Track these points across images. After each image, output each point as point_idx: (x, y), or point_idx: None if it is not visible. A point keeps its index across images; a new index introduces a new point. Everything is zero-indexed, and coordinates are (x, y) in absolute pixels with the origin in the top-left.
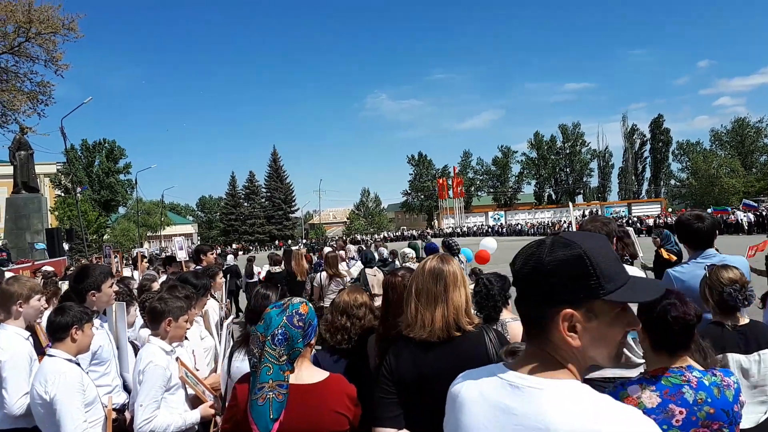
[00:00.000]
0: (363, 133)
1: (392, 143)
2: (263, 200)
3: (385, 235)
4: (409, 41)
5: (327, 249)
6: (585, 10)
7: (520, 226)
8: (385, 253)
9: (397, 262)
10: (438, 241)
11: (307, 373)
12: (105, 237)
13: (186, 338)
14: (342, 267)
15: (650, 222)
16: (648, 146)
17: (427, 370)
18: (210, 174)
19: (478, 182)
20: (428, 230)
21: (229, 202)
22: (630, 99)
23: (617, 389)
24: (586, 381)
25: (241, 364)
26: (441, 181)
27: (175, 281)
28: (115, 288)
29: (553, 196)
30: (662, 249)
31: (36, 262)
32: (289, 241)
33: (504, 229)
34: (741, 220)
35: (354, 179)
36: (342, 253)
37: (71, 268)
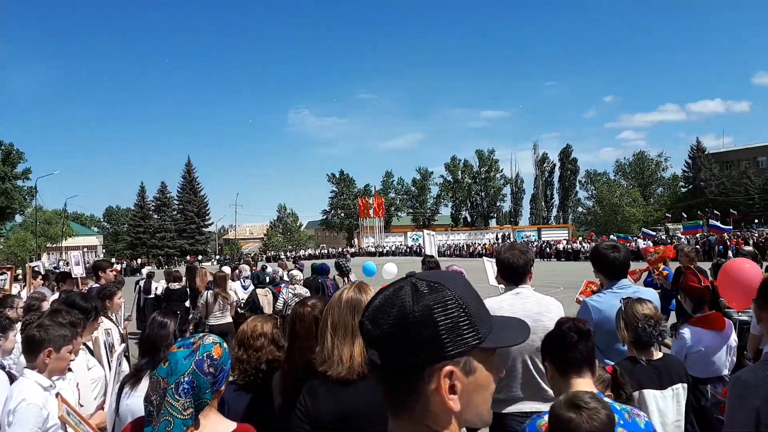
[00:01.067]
0: (284, 148)
1: (314, 160)
2: (175, 213)
3: (310, 252)
4: (335, 59)
5: (226, 268)
6: (504, 41)
7: (437, 246)
8: (281, 272)
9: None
10: (331, 262)
11: (213, 426)
12: None
13: (69, 369)
14: (235, 286)
15: (560, 246)
16: (557, 174)
17: (349, 409)
18: (118, 183)
19: (398, 202)
20: (349, 248)
21: (137, 214)
22: (542, 128)
23: (533, 419)
24: (504, 416)
25: (131, 401)
26: (362, 200)
27: (60, 305)
28: None
29: (469, 219)
30: None
31: None
32: (200, 257)
33: (422, 250)
34: (640, 248)
35: (273, 195)
36: (237, 271)
37: None
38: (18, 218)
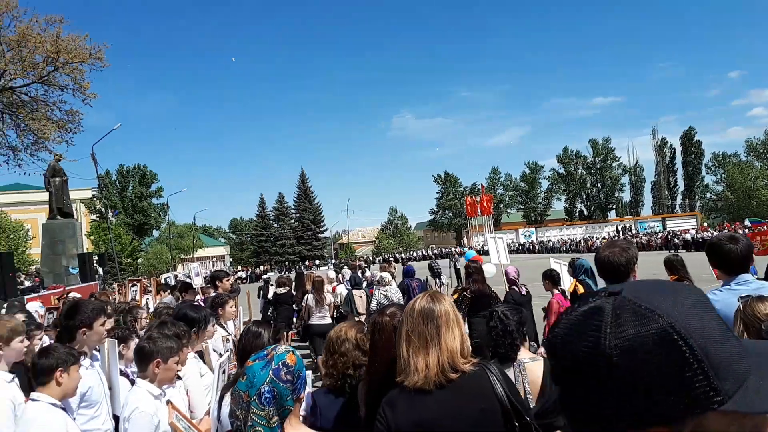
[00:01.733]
0: (390, 153)
1: (419, 162)
2: (293, 221)
3: (422, 253)
4: (434, 60)
5: (331, 272)
6: (612, 25)
7: (551, 242)
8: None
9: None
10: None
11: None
12: (139, 260)
13: (178, 377)
14: (340, 288)
15: (687, 236)
16: (679, 159)
17: (427, 420)
18: (240, 196)
19: (507, 199)
20: (457, 248)
21: (259, 224)
22: (660, 112)
23: None
24: None
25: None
26: (469, 198)
27: (167, 317)
28: (108, 326)
29: (585, 212)
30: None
31: (67, 287)
32: (317, 262)
33: (535, 247)
34: None
35: (382, 198)
36: (341, 275)
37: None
38: (154, 233)
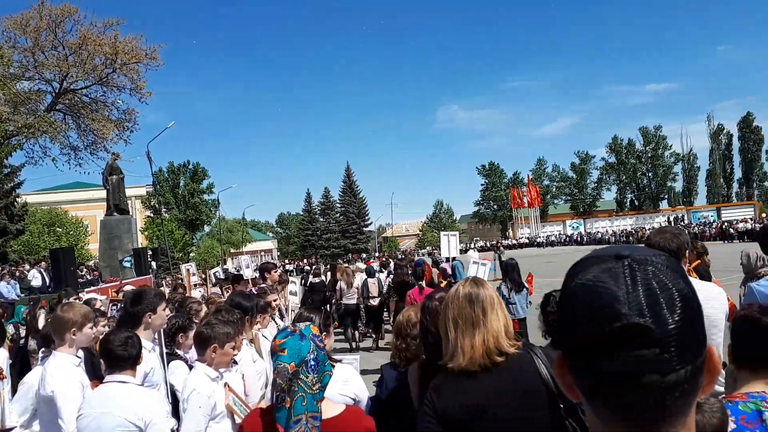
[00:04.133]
0: (436, 145)
1: (467, 154)
2: (338, 215)
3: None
4: (481, 50)
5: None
6: (665, 8)
7: (600, 234)
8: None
9: None
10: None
11: (326, 404)
12: (191, 255)
13: (235, 362)
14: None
15: (744, 226)
16: (736, 146)
17: (474, 401)
18: (287, 191)
19: (554, 190)
20: (503, 240)
21: (305, 218)
22: (715, 98)
23: None
24: None
25: None
26: (514, 190)
27: (222, 304)
28: (168, 312)
29: (636, 202)
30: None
31: (123, 281)
32: (364, 255)
33: (583, 238)
34: None
35: (427, 191)
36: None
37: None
38: (206, 228)
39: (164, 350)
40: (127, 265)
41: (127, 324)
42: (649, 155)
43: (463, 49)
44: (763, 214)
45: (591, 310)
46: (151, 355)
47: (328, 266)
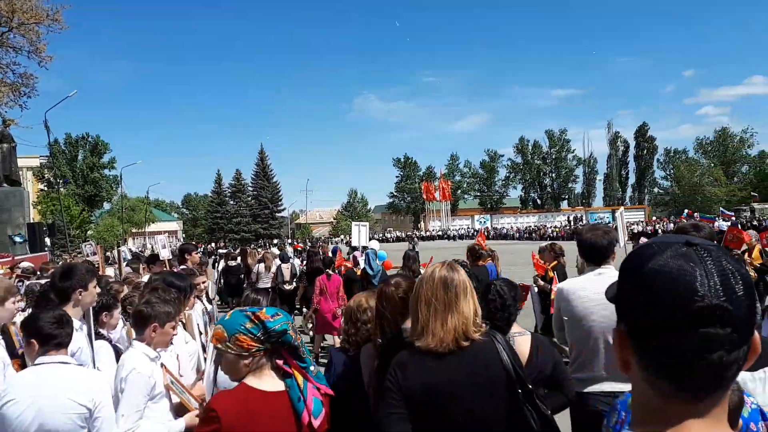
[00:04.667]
0: (352, 134)
1: (381, 144)
2: (249, 199)
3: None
4: (400, 44)
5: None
6: (574, 18)
7: (505, 230)
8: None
9: None
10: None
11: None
12: (89, 233)
13: (171, 342)
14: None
15: (635, 229)
16: (632, 153)
17: (438, 381)
18: (196, 171)
19: (465, 185)
20: (416, 232)
21: (214, 200)
22: (616, 106)
23: (627, 395)
24: (586, 395)
25: None
26: (426, 183)
27: (159, 283)
28: (98, 289)
29: (538, 201)
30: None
31: (16, 257)
32: (275, 241)
33: (490, 233)
34: (722, 228)
35: (342, 180)
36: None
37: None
38: (106, 206)
39: (92, 329)
40: (19, 240)
41: (51, 300)
42: (554, 157)
43: (383, 39)
44: (654, 218)
45: (672, 292)
46: (78, 334)
47: (238, 250)
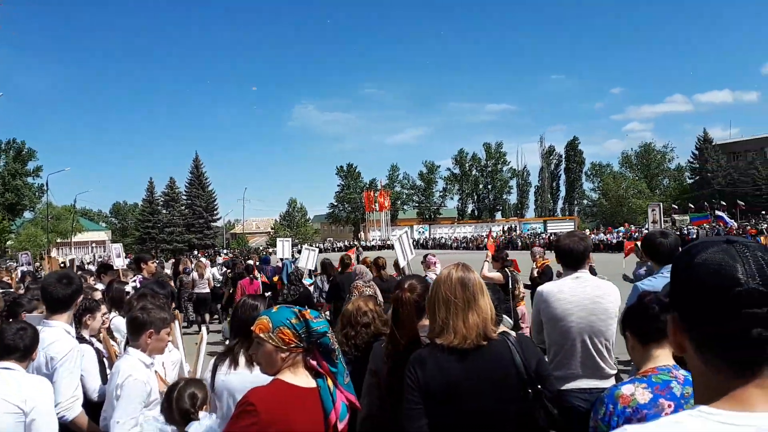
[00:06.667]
0: (290, 143)
1: (320, 155)
2: (183, 208)
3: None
4: (339, 54)
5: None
6: (506, 36)
7: (443, 239)
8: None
9: None
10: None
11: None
12: (9, 243)
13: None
14: (214, 270)
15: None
16: (563, 166)
17: (456, 379)
18: (127, 180)
19: (404, 196)
20: (355, 242)
21: (146, 209)
22: (549, 121)
23: (612, 389)
24: (563, 392)
25: (229, 378)
26: (367, 193)
27: (146, 290)
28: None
29: (475, 212)
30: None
31: None
32: (210, 251)
33: (428, 243)
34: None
35: (281, 189)
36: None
37: None
38: (28, 215)
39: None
40: None
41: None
42: (490, 169)
43: (323, 48)
44: (586, 230)
45: (717, 279)
46: (67, 337)
47: (173, 259)
